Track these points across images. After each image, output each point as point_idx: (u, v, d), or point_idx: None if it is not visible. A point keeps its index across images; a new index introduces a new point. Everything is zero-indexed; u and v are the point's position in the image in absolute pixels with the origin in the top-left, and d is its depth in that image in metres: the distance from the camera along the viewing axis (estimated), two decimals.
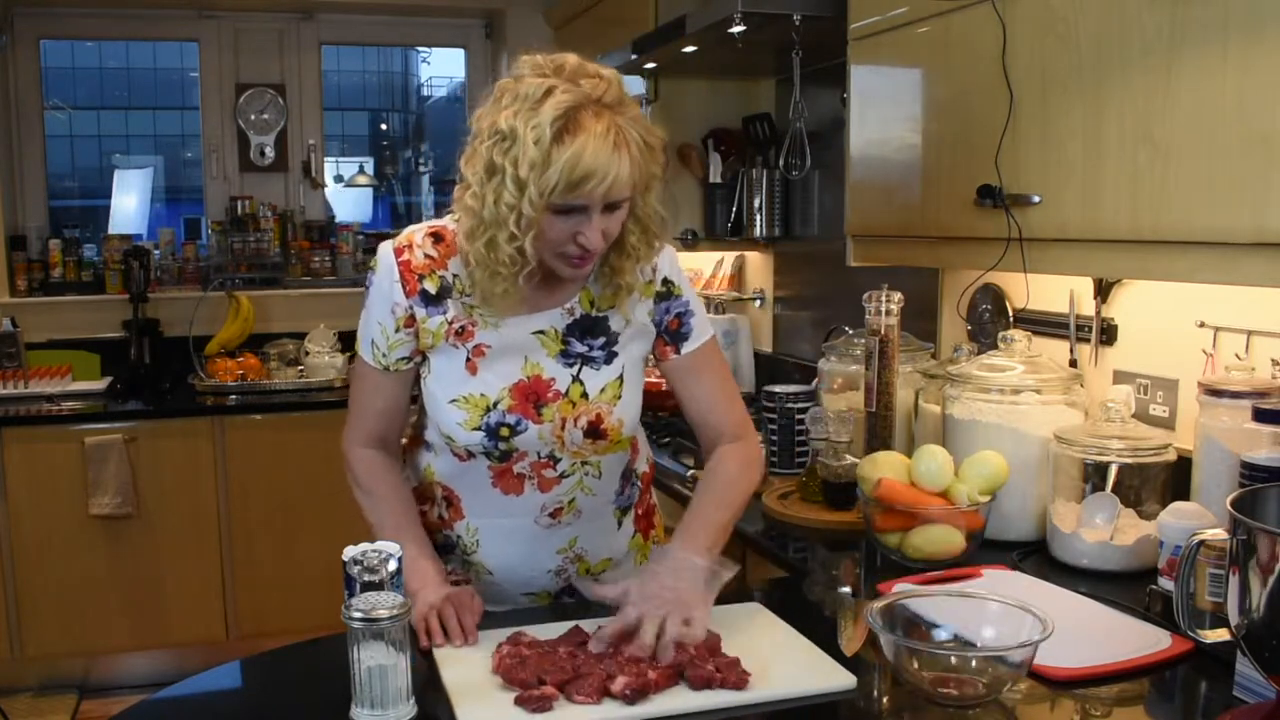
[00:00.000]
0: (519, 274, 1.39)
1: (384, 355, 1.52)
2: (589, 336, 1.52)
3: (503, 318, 1.48)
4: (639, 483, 1.67)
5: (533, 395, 1.49)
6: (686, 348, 1.58)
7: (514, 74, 1.37)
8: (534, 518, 1.55)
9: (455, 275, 1.48)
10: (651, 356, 1.60)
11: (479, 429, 1.48)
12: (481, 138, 1.36)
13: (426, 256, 1.49)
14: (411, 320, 1.50)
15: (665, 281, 1.56)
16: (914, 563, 1.70)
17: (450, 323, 1.49)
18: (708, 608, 1.36)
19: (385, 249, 1.51)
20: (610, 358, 1.53)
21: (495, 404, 1.48)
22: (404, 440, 1.66)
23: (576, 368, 1.51)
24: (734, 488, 1.55)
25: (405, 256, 1.49)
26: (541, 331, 1.50)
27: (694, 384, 1.59)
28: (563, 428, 1.50)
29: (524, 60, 1.38)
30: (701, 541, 1.45)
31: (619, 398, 1.52)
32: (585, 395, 1.50)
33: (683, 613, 1.31)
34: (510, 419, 1.48)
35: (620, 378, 1.53)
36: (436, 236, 1.50)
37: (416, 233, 1.52)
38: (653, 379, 1.69)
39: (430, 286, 1.49)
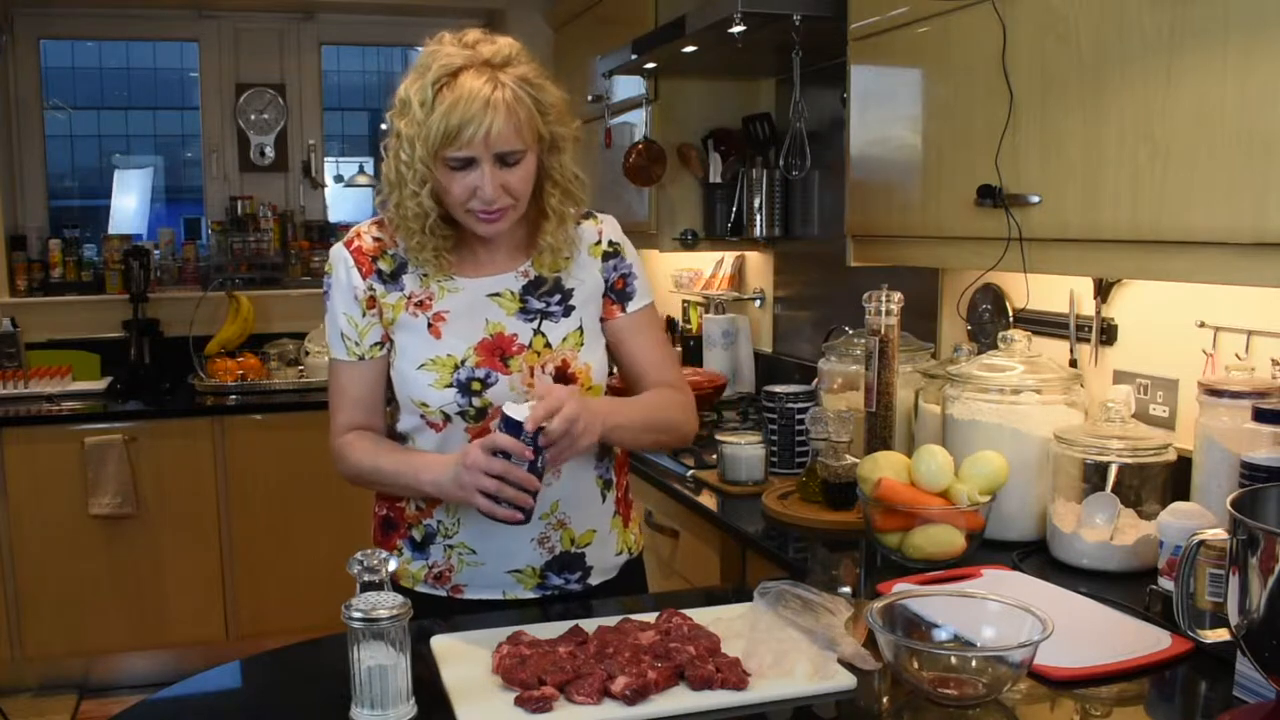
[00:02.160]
0: (425, 226, 1.50)
1: (357, 344, 1.58)
2: (545, 295, 1.59)
3: (449, 275, 1.56)
4: (614, 461, 1.68)
5: (497, 350, 1.55)
6: (631, 306, 1.65)
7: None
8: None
9: (415, 244, 1.56)
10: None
11: (450, 386, 1.54)
12: (391, 111, 1.49)
13: (375, 239, 1.59)
14: (373, 301, 1.57)
15: (611, 243, 1.65)
16: (914, 563, 1.70)
17: (409, 297, 1.57)
18: (595, 437, 1.46)
19: (336, 247, 1.61)
20: (568, 311, 1.60)
21: (463, 361, 1.54)
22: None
23: (536, 322, 1.58)
24: (658, 402, 1.63)
25: (356, 244, 1.59)
26: (497, 294, 1.58)
27: (638, 343, 1.66)
28: (531, 375, 1.54)
29: (437, 36, 1.50)
30: (605, 404, 1.56)
31: (581, 345, 1.59)
32: (549, 345, 1.57)
33: (588, 423, 1.42)
34: (479, 373, 1.54)
35: (580, 329, 1.59)
36: (381, 223, 1.59)
37: (362, 224, 1.62)
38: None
39: (385, 266, 1.57)
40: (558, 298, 1.59)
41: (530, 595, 1.61)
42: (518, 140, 1.44)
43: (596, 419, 1.45)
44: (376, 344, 1.58)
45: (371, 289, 1.56)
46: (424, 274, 1.57)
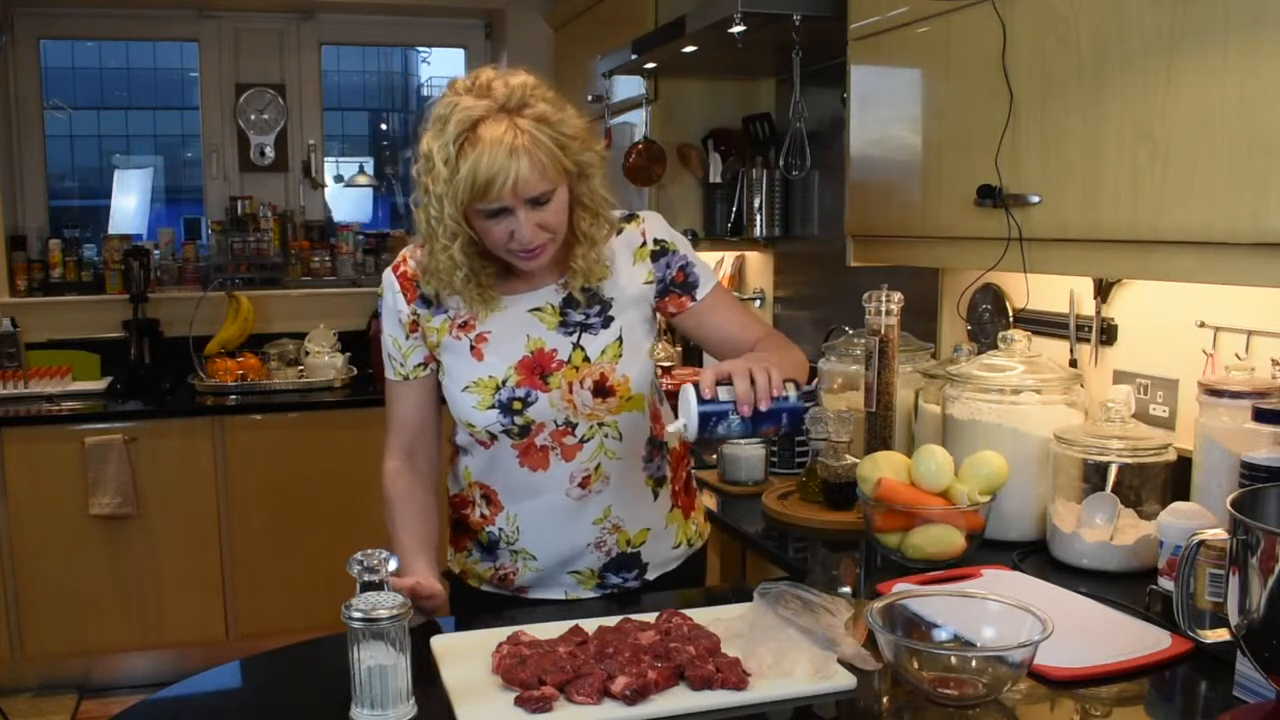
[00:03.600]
0: (457, 279, 1.51)
1: (401, 365, 1.63)
2: (584, 307, 1.59)
3: (489, 308, 1.57)
4: (669, 456, 1.70)
5: (538, 368, 1.57)
6: (700, 293, 1.65)
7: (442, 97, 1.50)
8: (564, 490, 1.59)
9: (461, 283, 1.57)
10: (660, 318, 1.67)
11: (492, 407, 1.56)
12: (416, 162, 1.49)
13: (419, 264, 1.60)
14: (416, 325, 1.60)
15: (657, 241, 1.64)
16: (914, 563, 1.70)
17: (453, 319, 1.59)
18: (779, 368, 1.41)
19: (386, 271, 1.64)
20: (607, 322, 1.60)
21: (504, 382, 1.56)
22: (447, 453, 1.73)
23: (576, 335, 1.58)
24: (779, 349, 1.61)
25: (402, 269, 1.62)
26: (538, 309, 1.59)
27: (717, 320, 1.67)
28: (570, 391, 1.56)
29: (450, 82, 1.49)
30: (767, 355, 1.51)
31: (620, 357, 1.59)
32: (587, 359, 1.58)
33: (763, 365, 1.38)
34: (520, 392, 1.56)
35: (619, 339, 1.59)
36: None
37: (409, 248, 1.64)
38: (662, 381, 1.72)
39: (428, 290, 1.59)
40: (597, 309, 1.59)
41: (590, 595, 1.66)
42: (545, 183, 1.44)
43: (762, 359, 1.43)
44: (420, 365, 1.62)
45: (415, 314, 1.60)
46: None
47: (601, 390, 1.56)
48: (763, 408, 1.37)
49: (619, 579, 1.66)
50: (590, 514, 1.61)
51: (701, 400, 1.37)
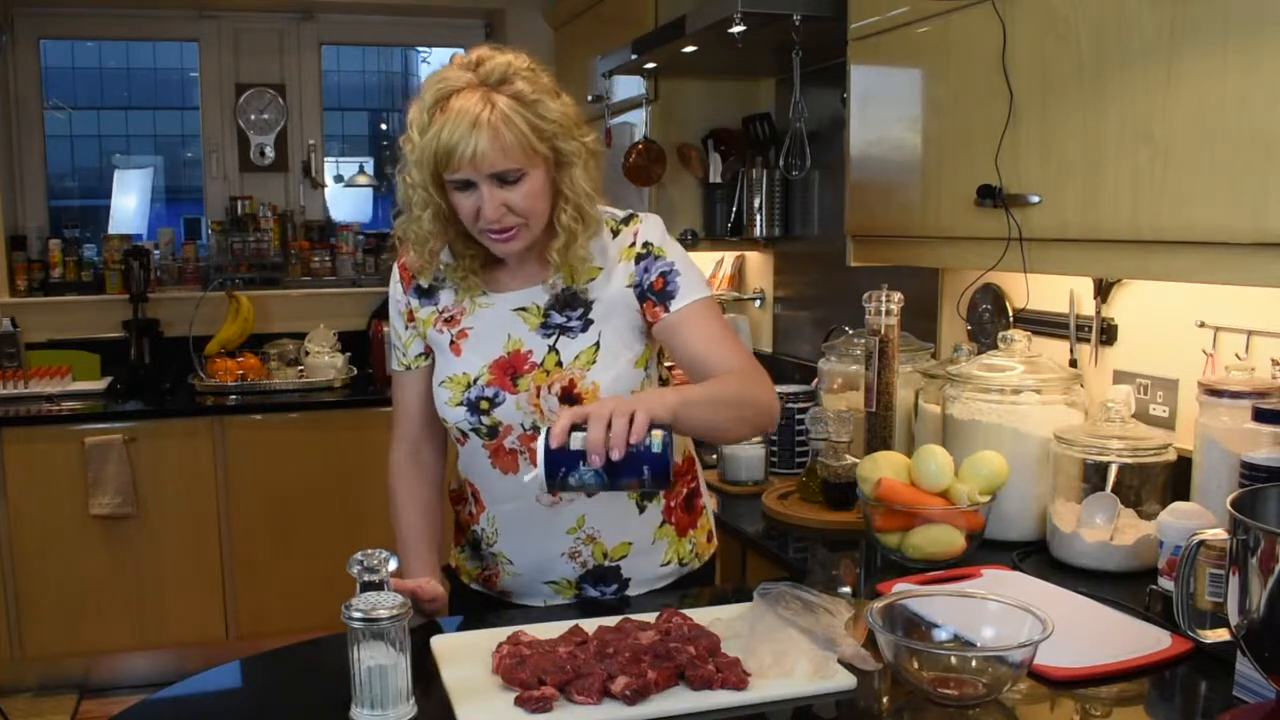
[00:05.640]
0: (429, 250, 1.52)
1: (403, 355, 1.64)
2: (567, 309, 1.56)
3: (481, 291, 1.57)
4: None
5: (510, 369, 1.55)
6: (675, 305, 1.53)
7: None
8: (535, 495, 1.54)
9: (445, 264, 1.58)
10: (643, 327, 1.57)
11: (461, 404, 1.55)
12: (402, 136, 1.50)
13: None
14: (412, 315, 1.62)
15: (645, 244, 1.56)
16: (914, 563, 1.70)
17: (440, 312, 1.60)
18: (653, 411, 1.28)
19: (395, 261, 1.66)
20: (586, 326, 1.55)
21: (475, 380, 1.55)
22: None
23: (554, 338, 1.55)
24: (722, 381, 1.46)
25: (403, 259, 1.63)
26: (523, 308, 1.57)
27: (686, 339, 1.53)
28: (538, 395, 1.53)
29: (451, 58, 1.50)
30: (656, 390, 1.49)
31: (594, 363, 1.53)
32: (560, 364, 1.54)
33: (628, 408, 1.26)
34: (488, 392, 1.54)
35: (596, 345, 1.54)
36: None
37: None
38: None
39: (423, 281, 1.61)
40: (579, 312, 1.55)
41: (569, 604, 1.62)
42: (507, 160, 1.41)
43: (638, 400, 1.30)
44: (420, 354, 1.63)
45: (409, 303, 1.62)
46: (458, 289, 1.59)
47: (568, 397, 1.51)
48: (614, 456, 1.23)
49: (597, 591, 1.62)
50: (563, 523, 1.57)
51: (549, 448, 1.26)
